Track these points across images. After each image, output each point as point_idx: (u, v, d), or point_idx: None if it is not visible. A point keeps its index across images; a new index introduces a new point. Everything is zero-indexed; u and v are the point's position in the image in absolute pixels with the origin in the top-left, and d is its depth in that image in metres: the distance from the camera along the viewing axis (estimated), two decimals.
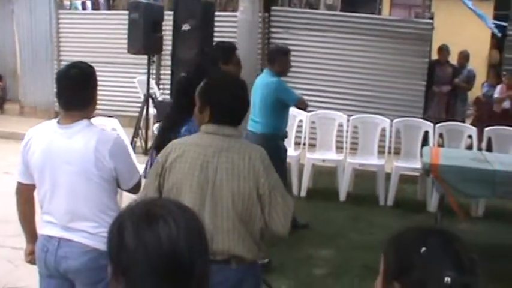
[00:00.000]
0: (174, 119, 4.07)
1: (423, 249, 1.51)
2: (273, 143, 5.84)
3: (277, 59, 6.45)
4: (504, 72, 10.34)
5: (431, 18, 10.74)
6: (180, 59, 8.37)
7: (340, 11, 14.08)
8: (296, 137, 8.33)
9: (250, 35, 9.75)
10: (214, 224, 2.81)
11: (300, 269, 5.70)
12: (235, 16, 9.90)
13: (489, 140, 8.20)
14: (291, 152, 8.01)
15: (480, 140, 8.29)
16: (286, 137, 6.56)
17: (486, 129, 8.28)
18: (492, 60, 14.57)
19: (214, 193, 2.81)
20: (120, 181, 3.13)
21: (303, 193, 7.87)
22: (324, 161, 8.06)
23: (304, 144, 8.20)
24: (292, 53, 10.56)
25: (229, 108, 2.91)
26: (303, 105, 6.59)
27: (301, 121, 8.26)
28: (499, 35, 11.24)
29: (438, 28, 12.18)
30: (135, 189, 3.22)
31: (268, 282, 4.57)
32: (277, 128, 6.28)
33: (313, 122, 8.28)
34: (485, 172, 5.93)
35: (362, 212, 7.41)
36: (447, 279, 1.45)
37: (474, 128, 8.41)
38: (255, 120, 6.28)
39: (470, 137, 8.20)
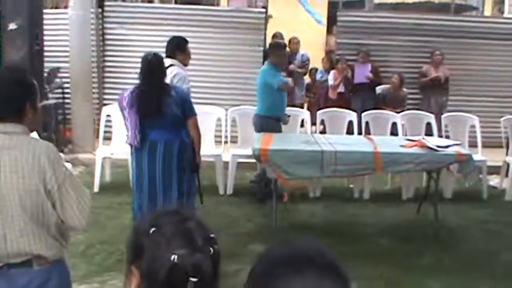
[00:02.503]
0: (161, 83, 5.30)
1: (152, 229, 1.50)
2: (265, 121, 7.11)
3: (271, 53, 7.44)
4: (337, 57, 10.75)
5: (264, 7, 10.95)
6: (9, 60, 7.96)
7: (177, 3, 14.06)
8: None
9: (83, 31, 9.51)
10: (3, 226, 2.66)
11: None
12: (67, 13, 9.60)
13: (323, 122, 8.51)
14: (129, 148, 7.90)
15: (313, 123, 8.56)
16: (281, 119, 7.28)
17: (319, 112, 8.56)
18: (329, 46, 15.10)
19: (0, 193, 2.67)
20: None
21: None
22: None
23: None
24: (128, 48, 10.59)
25: None
26: (285, 88, 7.31)
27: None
28: (324, 25, 11.72)
29: (275, 17, 12.46)
30: None
31: None
32: (269, 109, 7.18)
33: None
34: (313, 153, 6.12)
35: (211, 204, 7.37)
36: (174, 257, 1.44)
37: (308, 112, 8.68)
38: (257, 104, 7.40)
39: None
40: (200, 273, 1.45)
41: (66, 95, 9.94)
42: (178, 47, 6.28)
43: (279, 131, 7.20)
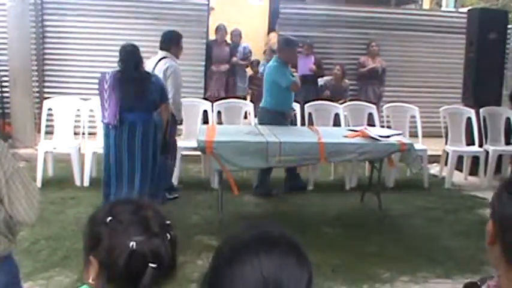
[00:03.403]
0: (142, 70, 5.97)
1: (109, 218, 1.52)
2: (271, 116, 7.23)
3: (283, 49, 7.43)
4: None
5: None
6: None
7: None
8: (75, 126, 8.09)
9: (21, 22, 9.31)
10: None
11: None
12: (4, 4, 9.37)
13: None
14: (71, 143, 7.81)
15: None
16: (286, 114, 7.49)
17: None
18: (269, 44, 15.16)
19: None
20: None
21: (86, 183, 7.67)
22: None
23: (83, 133, 7.96)
24: (67, 39, 10.42)
25: None
26: (295, 88, 7.37)
27: (79, 110, 8.05)
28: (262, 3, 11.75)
29: (217, 9, 12.42)
30: None
31: None
32: (276, 104, 7.29)
33: (91, 110, 8.06)
34: (258, 145, 6.17)
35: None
36: (132, 243, 1.45)
37: (251, 104, 8.72)
38: (263, 97, 7.47)
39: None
40: (159, 259, 1.47)
41: (4, 89, 9.71)
42: (173, 41, 6.95)
43: (285, 125, 7.34)
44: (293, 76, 7.47)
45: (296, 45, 7.67)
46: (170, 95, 6.55)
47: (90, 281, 1.55)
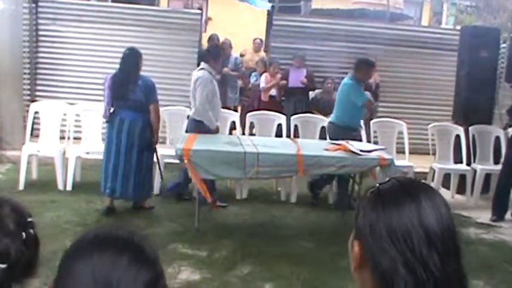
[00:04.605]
0: (132, 74, 6.60)
1: None
2: (341, 131, 7.41)
3: (359, 68, 7.59)
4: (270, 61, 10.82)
5: (200, 8, 10.95)
6: None
7: (121, 2, 13.92)
8: (61, 130, 8.10)
9: (14, 26, 9.35)
10: None
11: None
12: None
13: (252, 125, 8.56)
14: (56, 146, 7.80)
15: (243, 125, 8.61)
16: (356, 129, 7.79)
17: (248, 114, 8.61)
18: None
19: None
20: None
21: (69, 187, 7.65)
22: (88, 153, 7.88)
23: (68, 137, 7.96)
24: (62, 44, 10.45)
25: None
26: (369, 106, 7.70)
27: (65, 114, 8.06)
28: (270, 9, 11.75)
29: (215, 19, 12.46)
30: None
31: None
32: (348, 120, 7.55)
33: (77, 115, 8.08)
34: (236, 155, 6.16)
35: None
36: None
37: (237, 114, 8.73)
38: (334, 112, 7.74)
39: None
40: (9, 259, 1.42)
41: None
42: (213, 55, 7.34)
43: (353, 139, 7.34)
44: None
45: (372, 65, 7.80)
46: (196, 104, 7.08)
47: None
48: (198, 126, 7.08)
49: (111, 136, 6.68)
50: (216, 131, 7.24)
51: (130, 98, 6.58)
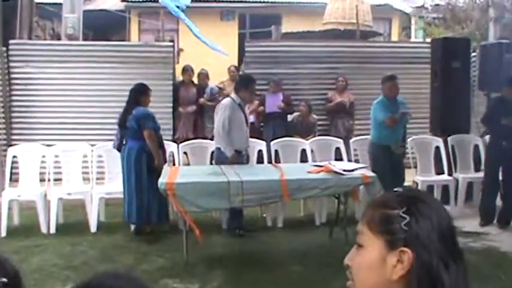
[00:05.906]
0: (129, 106, 7.26)
1: None
2: (375, 149, 7.91)
3: (383, 85, 7.98)
4: None
5: (172, 41, 10.96)
6: None
7: (93, 40, 13.93)
8: (41, 173, 8.01)
9: None
10: None
11: None
12: None
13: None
14: (37, 189, 7.72)
15: None
16: (392, 148, 7.85)
17: None
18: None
19: None
20: None
21: (52, 230, 7.55)
22: (69, 194, 7.81)
23: (49, 179, 7.87)
24: (35, 86, 10.41)
25: None
26: (390, 124, 7.72)
27: (44, 156, 7.99)
28: (226, 55, 11.86)
29: (186, 51, 12.47)
30: None
31: None
32: (380, 138, 7.85)
33: (56, 156, 8.01)
34: (220, 184, 6.14)
35: (117, 240, 7.27)
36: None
37: (263, 143, 8.65)
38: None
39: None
40: None
41: None
42: (243, 85, 7.58)
43: (389, 158, 7.70)
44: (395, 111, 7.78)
45: (391, 79, 8.00)
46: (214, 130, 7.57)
47: None
48: (217, 153, 7.41)
49: (121, 163, 7.30)
50: (233, 158, 7.21)
51: (128, 126, 7.19)
